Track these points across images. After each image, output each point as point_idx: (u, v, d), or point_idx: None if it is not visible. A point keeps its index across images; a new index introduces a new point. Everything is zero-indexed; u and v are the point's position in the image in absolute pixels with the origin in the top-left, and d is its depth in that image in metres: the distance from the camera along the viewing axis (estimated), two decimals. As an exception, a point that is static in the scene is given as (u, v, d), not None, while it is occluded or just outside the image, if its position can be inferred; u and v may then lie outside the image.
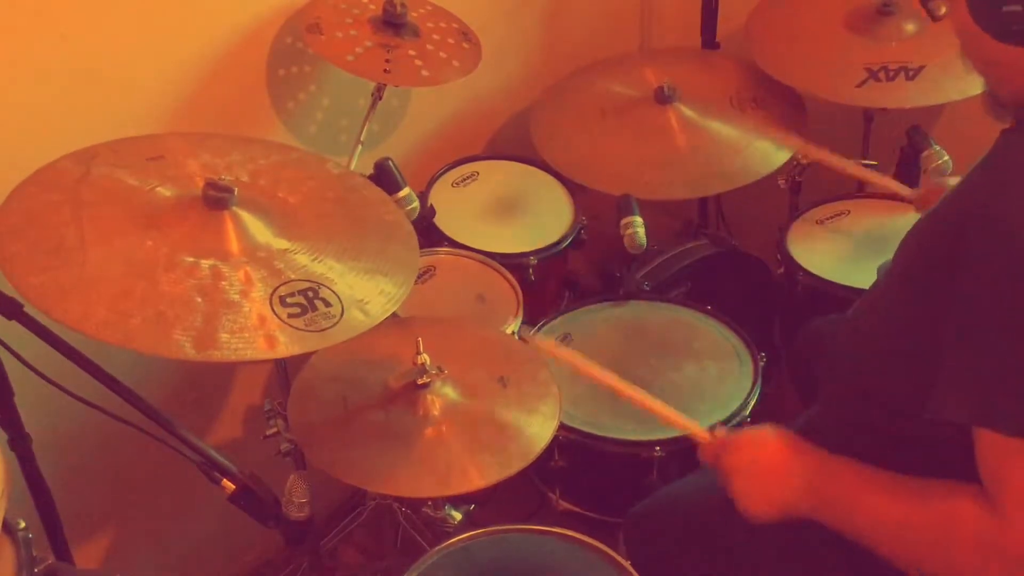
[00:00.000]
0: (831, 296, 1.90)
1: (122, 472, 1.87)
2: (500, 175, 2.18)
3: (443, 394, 1.52)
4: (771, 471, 1.29)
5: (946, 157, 1.96)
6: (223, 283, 1.27)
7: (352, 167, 1.81)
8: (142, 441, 1.39)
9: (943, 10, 1.42)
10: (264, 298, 1.27)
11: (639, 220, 1.91)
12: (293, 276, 1.32)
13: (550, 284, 2.07)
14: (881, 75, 2.04)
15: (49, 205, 1.31)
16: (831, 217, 2.12)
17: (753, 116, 2.14)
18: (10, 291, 1.28)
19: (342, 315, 1.30)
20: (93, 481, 1.84)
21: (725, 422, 1.69)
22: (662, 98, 2.14)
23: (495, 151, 2.33)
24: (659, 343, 1.90)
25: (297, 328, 1.26)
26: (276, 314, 1.26)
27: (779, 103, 2.16)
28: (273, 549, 2.14)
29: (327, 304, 1.30)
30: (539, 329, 1.91)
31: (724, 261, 2.19)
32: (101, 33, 1.60)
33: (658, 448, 1.69)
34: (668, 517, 1.53)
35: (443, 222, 2.00)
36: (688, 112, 2.15)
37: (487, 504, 1.70)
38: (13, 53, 1.52)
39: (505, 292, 1.89)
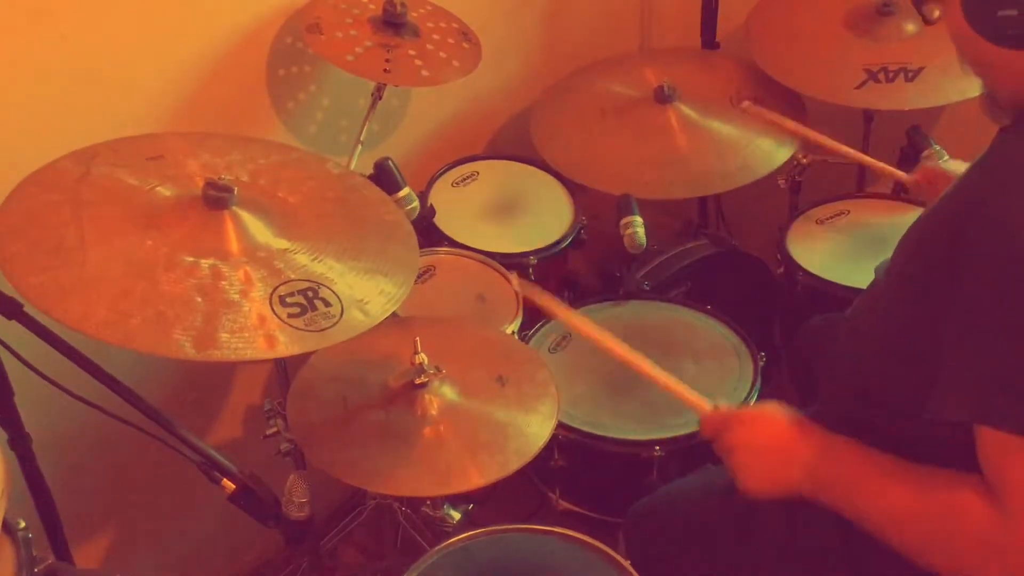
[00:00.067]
0: (831, 296, 1.90)
1: (122, 472, 1.87)
2: (500, 175, 2.18)
3: (441, 394, 1.52)
4: (774, 450, 1.29)
5: (946, 157, 1.96)
6: (223, 283, 1.27)
7: (352, 167, 1.81)
8: (142, 441, 1.39)
9: (936, 13, 1.42)
10: (264, 298, 1.27)
11: (639, 220, 1.91)
12: (293, 276, 1.32)
13: (550, 284, 2.07)
14: (880, 76, 2.04)
15: (49, 205, 1.31)
16: (831, 217, 2.12)
17: (753, 115, 2.14)
18: (10, 291, 1.28)
19: (342, 315, 1.30)
20: (93, 481, 1.84)
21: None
22: (662, 98, 2.14)
23: (495, 151, 2.33)
24: (659, 343, 1.90)
25: (297, 328, 1.26)
26: (276, 314, 1.26)
27: (779, 103, 2.16)
28: (273, 549, 2.15)
29: (327, 304, 1.30)
30: (539, 329, 1.91)
31: (724, 261, 2.19)
32: (101, 33, 1.60)
33: (658, 448, 1.69)
34: (668, 517, 1.53)
35: (443, 222, 2.00)
36: (688, 112, 2.15)
37: (486, 503, 1.70)
38: (13, 53, 1.52)
39: (505, 292, 1.89)
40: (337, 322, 1.29)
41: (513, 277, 1.86)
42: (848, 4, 2.16)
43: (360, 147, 1.84)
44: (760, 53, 2.19)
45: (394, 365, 1.56)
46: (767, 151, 2.10)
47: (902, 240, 1.26)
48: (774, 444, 1.29)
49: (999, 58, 1.11)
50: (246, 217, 1.35)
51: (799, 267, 1.99)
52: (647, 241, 1.90)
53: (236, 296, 1.26)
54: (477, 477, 1.44)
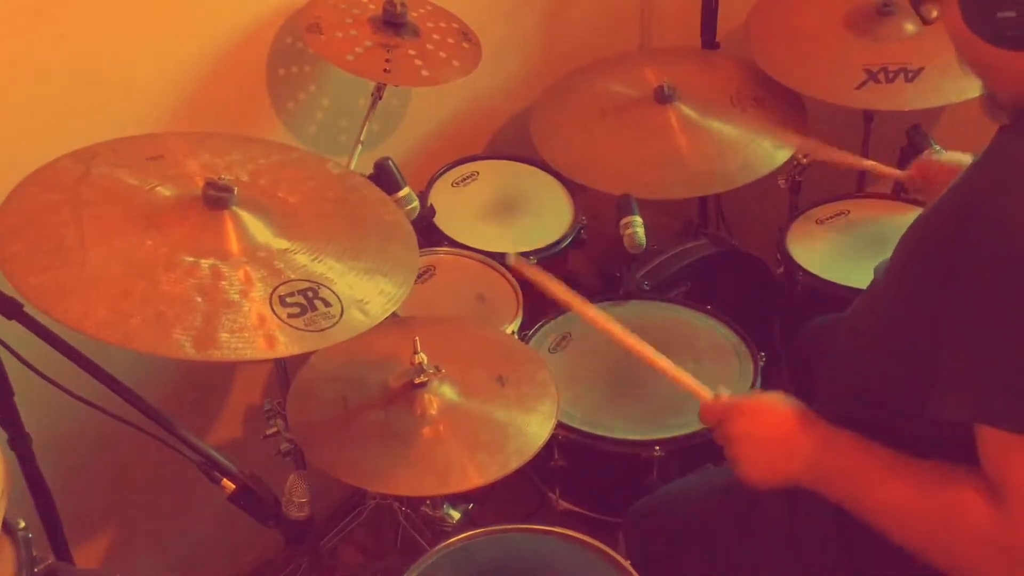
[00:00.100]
0: (831, 296, 1.90)
1: (122, 472, 1.87)
2: (500, 175, 2.18)
3: (441, 393, 1.52)
4: (775, 441, 1.28)
5: (939, 148, 1.96)
6: (223, 283, 1.27)
7: (352, 167, 1.81)
8: (142, 441, 1.39)
9: (934, 13, 1.41)
10: (264, 298, 1.27)
11: (639, 220, 1.91)
12: (293, 276, 1.32)
13: (550, 284, 2.07)
14: (880, 77, 2.04)
15: (49, 205, 1.31)
16: (831, 217, 2.12)
17: (753, 115, 2.14)
18: (10, 291, 1.28)
19: (342, 315, 1.30)
20: (93, 481, 1.84)
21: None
22: (662, 98, 2.14)
23: (495, 151, 2.33)
24: (659, 343, 1.87)
25: (297, 328, 1.26)
26: (276, 314, 1.26)
27: (779, 103, 2.16)
28: (273, 549, 2.15)
29: (327, 304, 1.30)
30: (539, 329, 1.91)
31: (724, 261, 2.19)
32: (101, 33, 1.60)
33: (658, 448, 1.69)
34: (668, 517, 1.53)
35: (443, 222, 2.00)
36: (688, 112, 2.15)
37: (485, 503, 1.70)
38: (13, 53, 1.52)
39: (505, 292, 1.89)
40: (337, 322, 1.29)
41: (510, 254, 1.82)
42: (848, 4, 2.16)
43: (360, 147, 1.84)
44: (760, 53, 2.19)
45: (394, 365, 1.56)
46: (767, 151, 2.10)
47: (902, 240, 1.26)
48: (775, 435, 1.28)
49: (998, 59, 1.11)
50: (246, 217, 1.35)
51: (799, 267, 1.99)
52: (647, 241, 1.90)
53: (236, 296, 1.26)
54: (477, 477, 1.44)
